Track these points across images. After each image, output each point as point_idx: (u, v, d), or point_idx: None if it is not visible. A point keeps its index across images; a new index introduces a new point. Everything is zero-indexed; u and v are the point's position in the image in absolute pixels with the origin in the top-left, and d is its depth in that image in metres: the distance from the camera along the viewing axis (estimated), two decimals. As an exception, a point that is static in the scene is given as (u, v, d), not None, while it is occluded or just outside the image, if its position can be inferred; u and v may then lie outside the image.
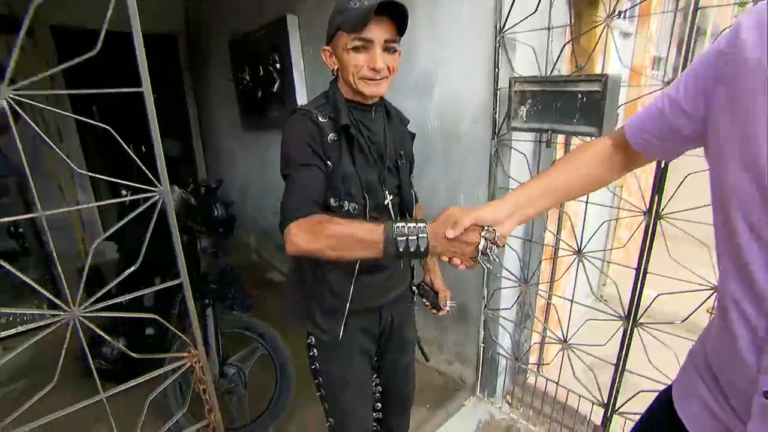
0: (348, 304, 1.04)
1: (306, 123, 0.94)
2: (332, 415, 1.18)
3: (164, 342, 2.03)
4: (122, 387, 0.92)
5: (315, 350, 1.12)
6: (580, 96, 1.41)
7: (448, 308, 1.22)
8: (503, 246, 0.77)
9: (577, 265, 1.68)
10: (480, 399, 2.14)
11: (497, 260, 0.77)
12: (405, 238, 0.77)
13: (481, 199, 1.86)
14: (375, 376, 1.27)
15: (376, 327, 1.15)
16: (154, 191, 0.87)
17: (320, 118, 0.95)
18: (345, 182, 0.95)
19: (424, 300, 1.25)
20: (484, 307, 1.95)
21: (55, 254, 0.83)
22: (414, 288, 1.27)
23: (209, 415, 1.23)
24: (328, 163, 0.94)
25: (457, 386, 2.21)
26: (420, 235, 0.77)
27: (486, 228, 0.75)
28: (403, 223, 0.77)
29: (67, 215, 3.54)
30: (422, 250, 0.77)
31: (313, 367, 1.15)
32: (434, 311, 1.23)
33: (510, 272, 1.86)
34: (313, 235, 0.81)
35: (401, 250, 0.77)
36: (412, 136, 1.17)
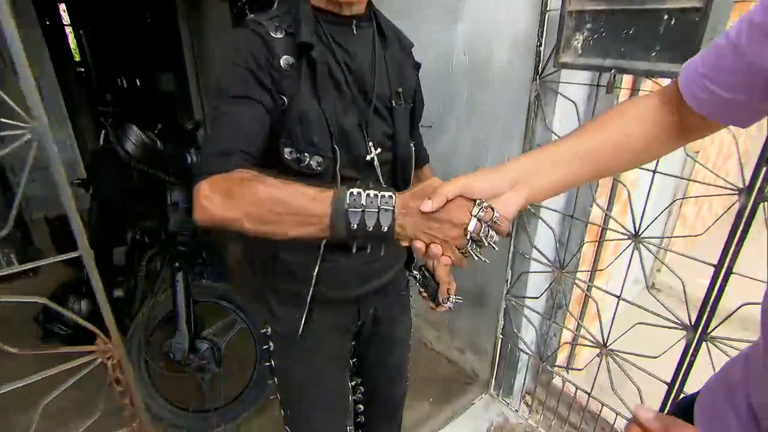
0: (311, 290, 0.86)
1: (252, 40, 0.74)
2: (291, 426, 1.01)
3: (133, 307, 1.83)
4: (13, 386, 0.81)
5: (271, 343, 0.95)
6: (666, 16, 1.00)
7: (450, 305, 1.03)
8: (507, 233, 0.58)
9: (631, 253, 1.34)
10: (493, 398, 1.94)
11: (496, 249, 0.58)
12: (360, 211, 0.58)
13: None
14: (355, 378, 1.11)
15: (351, 323, 0.98)
16: (24, 128, 0.72)
17: (274, 34, 0.75)
18: (304, 125, 0.75)
19: (421, 290, 1.06)
20: (507, 293, 1.72)
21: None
22: (413, 270, 1.09)
23: (131, 422, 0.98)
24: (283, 97, 0.75)
25: (467, 379, 2.04)
26: (383, 207, 0.58)
27: (479, 203, 0.56)
28: (360, 190, 0.59)
29: (43, 153, 3.40)
30: (385, 229, 0.58)
31: (269, 364, 0.98)
32: (432, 305, 1.05)
33: (542, 253, 1.59)
34: (229, 199, 0.62)
35: (354, 227, 0.58)
36: (416, 66, 0.94)
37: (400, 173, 0.90)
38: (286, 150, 0.76)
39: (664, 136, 0.60)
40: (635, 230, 1.32)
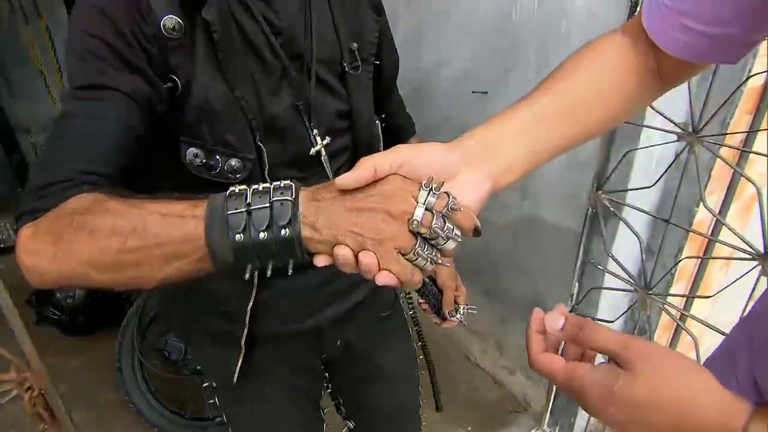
0: (245, 330, 0.72)
1: None
2: None
3: (132, 294, 1.72)
4: None
5: (214, 396, 0.82)
6: None
7: (460, 317, 0.87)
8: (474, 229, 0.44)
9: (756, 279, 1.01)
10: (547, 435, 1.68)
11: (446, 263, 0.43)
12: (245, 212, 0.41)
13: (591, 150, 1.23)
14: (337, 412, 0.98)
15: (311, 358, 0.84)
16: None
17: None
18: (208, 117, 0.59)
19: (420, 300, 0.88)
20: (571, 310, 1.41)
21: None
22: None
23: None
24: (174, 78, 0.57)
25: (516, 408, 1.80)
26: (277, 199, 0.41)
27: (426, 185, 0.42)
28: (244, 187, 0.43)
29: (56, 114, 3.39)
30: (286, 234, 0.40)
31: (211, 402, 0.84)
32: (437, 321, 0.88)
33: (621, 266, 1.29)
34: (61, 245, 0.44)
35: (239, 240, 0.40)
36: (377, 6, 0.74)
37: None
38: (189, 152, 0.59)
39: (644, 83, 0.54)
40: (765, 247, 0.95)
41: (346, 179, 0.41)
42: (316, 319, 0.76)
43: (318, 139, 0.68)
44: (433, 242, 0.42)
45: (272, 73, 0.63)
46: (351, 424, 0.95)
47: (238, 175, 0.61)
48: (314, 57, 0.65)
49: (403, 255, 0.41)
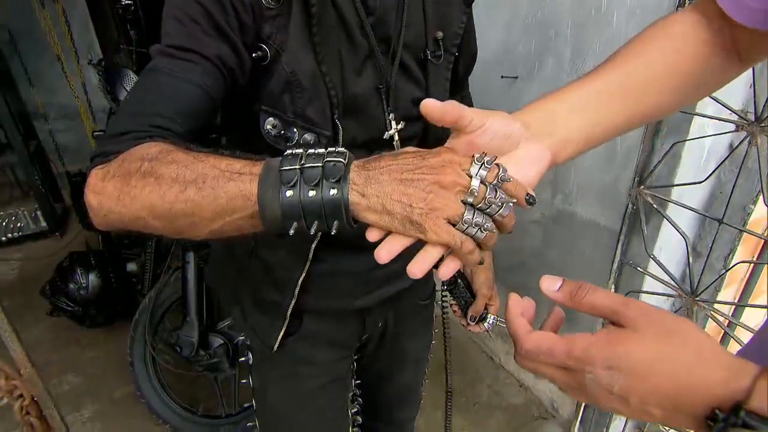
0: (292, 302, 0.75)
1: None
2: None
3: (144, 283, 1.75)
4: None
5: (250, 354, 0.87)
6: None
7: (488, 326, 0.92)
8: (529, 201, 0.46)
9: None
10: (575, 445, 1.64)
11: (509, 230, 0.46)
12: (297, 169, 0.44)
13: (633, 140, 1.12)
14: (356, 398, 1.01)
15: (352, 338, 0.89)
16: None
17: None
18: (293, 91, 0.62)
19: (452, 302, 0.96)
20: None
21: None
22: (442, 281, 0.96)
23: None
24: (264, 48, 0.60)
25: (543, 414, 1.75)
26: (330, 159, 0.44)
27: (479, 157, 0.44)
28: (301, 150, 0.46)
29: (73, 100, 3.24)
30: (333, 194, 0.43)
31: (245, 381, 0.91)
32: (463, 323, 0.94)
33: (664, 268, 1.23)
34: (127, 189, 0.49)
35: (288, 196, 0.44)
36: (467, 2, 0.76)
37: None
38: (268, 122, 0.63)
39: (719, 62, 0.53)
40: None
41: (432, 102, 0.46)
42: (364, 300, 0.80)
43: (393, 123, 0.70)
44: (487, 211, 0.44)
45: (358, 53, 0.65)
46: (358, 391, 0.99)
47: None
48: (401, 41, 0.68)
49: (453, 225, 0.43)
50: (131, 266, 1.80)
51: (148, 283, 1.71)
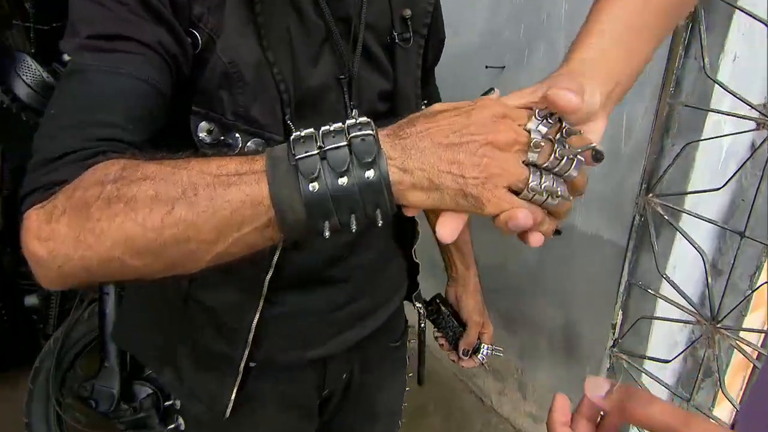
0: (246, 352, 0.75)
1: None
2: None
3: (49, 321, 1.70)
4: None
5: (181, 420, 0.87)
6: None
7: (483, 358, 0.95)
8: (597, 156, 0.44)
9: None
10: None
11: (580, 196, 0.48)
12: (316, 155, 0.42)
13: (640, 140, 1.17)
14: None
15: (313, 394, 0.89)
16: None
17: None
18: (232, 86, 0.60)
19: (437, 332, 0.97)
20: (612, 345, 1.44)
21: None
22: (418, 305, 0.99)
23: None
24: (195, 34, 0.58)
25: None
26: (357, 134, 0.42)
27: (538, 111, 0.44)
28: (311, 130, 0.44)
29: None
30: (372, 176, 0.42)
31: None
32: (453, 358, 0.97)
33: (679, 290, 1.24)
34: (87, 224, 0.43)
35: (315, 190, 0.42)
36: None
37: None
38: (201, 127, 0.61)
39: None
40: None
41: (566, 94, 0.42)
42: (329, 346, 0.80)
43: (357, 117, 0.67)
44: (556, 171, 0.43)
45: (313, 37, 0.65)
46: None
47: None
48: (363, 23, 0.67)
49: (516, 193, 0.42)
50: (31, 300, 1.72)
51: (53, 321, 1.66)
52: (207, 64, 0.59)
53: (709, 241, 1.28)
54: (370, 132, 0.42)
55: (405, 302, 0.98)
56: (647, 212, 1.21)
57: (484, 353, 0.93)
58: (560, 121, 0.44)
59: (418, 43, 0.76)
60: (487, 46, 1.58)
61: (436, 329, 0.97)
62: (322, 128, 0.44)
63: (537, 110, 0.44)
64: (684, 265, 1.29)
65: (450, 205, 0.43)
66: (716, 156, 1.16)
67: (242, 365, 0.75)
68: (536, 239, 0.46)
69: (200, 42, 0.58)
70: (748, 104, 1.00)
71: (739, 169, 1.08)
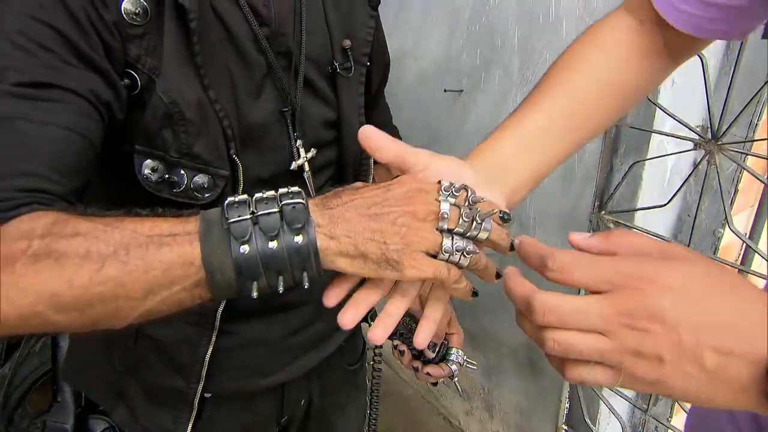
0: (200, 386, 0.75)
1: None
2: None
3: None
4: None
5: None
6: None
7: (455, 370, 0.82)
8: (498, 216, 0.52)
9: None
10: None
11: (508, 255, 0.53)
12: (249, 220, 0.44)
13: (591, 160, 1.20)
14: None
15: (270, 422, 0.88)
16: None
17: None
18: (175, 124, 0.61)
19: (397, 344, 0.83)
20: None
21: None
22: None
23: None
24: (133, 75, 0.59)
25: None
26: (288, 202, 0.45)
27: (445, 185, 0.49)
28: (243, 196, 0.47)
29: None
30: (299, 242, 0.44)
31: None
32: (417, 366, 0.82)
33: None
34: (7, 273, 0.43)
35: (245, 253, 0.44)
36: (373, 1, 0.80)
37: (350, 178, 0.78)
38: (146, 165, 0.61)
39: (655, 64, 0.62)
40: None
41: (372, 130, 0.50)
42: (283, 374, 0.80)
43: (302, 151, 0.71)
44: (468, 235, 0.48)
45: (254, 72, 0.66)
46: None
47: (206, 195, 0.63)
48: (303, 54, 0.69)
49: (434, 256, 0.47)
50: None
51: (0, 355, 1.57)
52: (148, 104, 0.59)
53: (660, 256, 1.33)
54: (301, 201, 0.45)
55: (362, 323, 0.93)
56: (601, 228, 1.26)
57: (456, 359, 0.83)
58: (466, 190, 0.49)
59: (360, 71, 0.77)
60: (445, 71, 1.60)
61: (398, 340, 0.86)
62: (255, 195, 0.46)
63: (443, 183, 0.49)
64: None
65: (372, 269, 0.46)
66: (662, 174, 1.21)
67: (196, 399, 0.75)
68: (421, 339, 0.54)
69: (139, 82, 0.59)
70: (686, 126, 1.08)
71: (681, 187, 1.15)
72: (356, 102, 0.77)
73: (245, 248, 0.43)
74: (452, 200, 0.48)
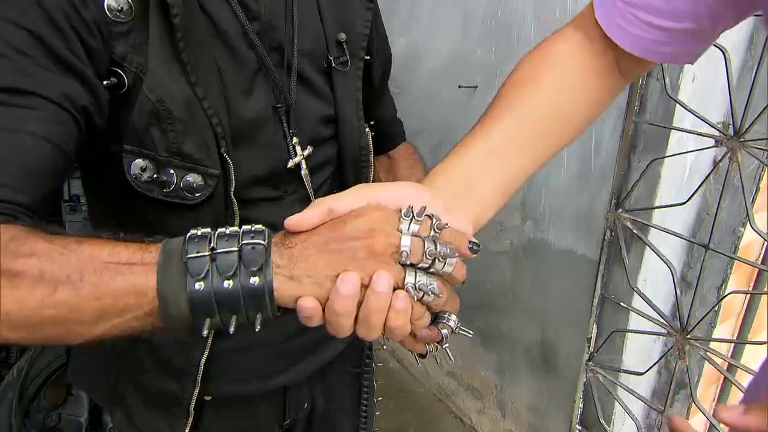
0: (195, 391, 0.74)
1: None
2: None
3: (11, 349, 1.64)
4: None
5: None
6: None
7: (446, 335, 0.70)
8: (466, 246, 0.50)
9: None
10: None
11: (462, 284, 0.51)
12: (207, 256, 0.44)
13: (608, 158, 1.20)
14: None
15: (272, 426, 0.87)
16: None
17: None
18: (162, 123, 0.60)
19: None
20: (588, 359, 1.48)
21: None
22: None
23: None
24: (120, 73, 0.58)
25: None
26: (248, 242, 0.45)
27: (406, 212, 0.47)
28: (207, 230, 0.47)
29: None
30: (254, 283, 0.44)
31: None
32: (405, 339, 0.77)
33: (649, 302, 1.29)
34: None
35: (199, 289, 0.44)
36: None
37: (351, 175, 0.78)
38: (135, 165, 0.61)
39: (607, 84, 0.63)
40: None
41: (295, 219, 0.46)
42: (283, 377, 0.79)
43: (298, 149, 0.70)
44: (431, 270, 0.46)
45: (245, 68, 0.65)
46: None
47: (197, 194, 0.63)
48: (295, 49, 0.68)
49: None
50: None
51: (16, 350, 1.60)
52: (134, 102, 0.59)
53: (678, 255, 1.31)
54: (261, 241, 0.44)
55: None
56: (617, 227, 1.25)
57: (450, 324, 0.76)
58: (430, 217, 0.47)
59: (357, 65, 0.76)
60: (459, 67, 1.59)
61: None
62: (218, 230, 0.46)
63: (403, 211, 0.47)
64: (654, 279, 1.31)
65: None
66: (681, 172, 1.20)
67: (192, 404, 0.74)
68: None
69: (126, 81, 0.58)
70: (707, 123, 1.06)
71: (701, 184, 1.13)
72: (354, 96, 0.76)
73: (200, 285, 0.43)
74: (415, 228, 0.47)
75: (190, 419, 0.74)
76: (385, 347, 0.89)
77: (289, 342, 0.78)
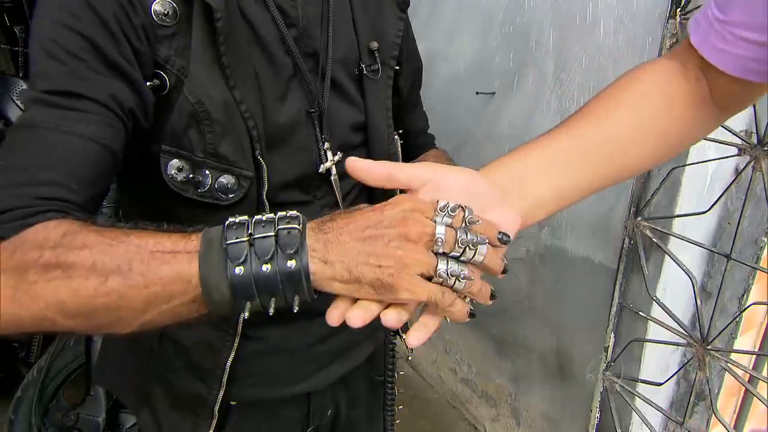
0: (221, 393, 0.74)
1: None
2: None
3: (32, 349, 1.66)
4: None
5: None
6: None
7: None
8: (495, 238, 0.51)
9: None
10: None
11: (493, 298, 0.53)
12: (246, 241, 0.46)
13: None
14: None
15: (295, 430, 0.88)
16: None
17: None
18: (201, 125, 0.62)
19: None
20: (605, 368, 1.46)
21: None
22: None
23: None
24: (162, 75, 0.60)
25: None
26: (284, 227, 0.47)
27: (442, 205, 0.49)
28: (245, 217, 0.49)
29: None
30: (291, 266, 0.46)
31: None
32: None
33: (669, 312, 1.27)
34: (23, 285, 0.46)
35: (239, 274, 0.46)
36: (403, 3, 0.81)
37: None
38: (172, 165, 0.62)
39: (697, 113, 0.60)
40: None
41: (357, 161, 0.52)
42: (308, 383, 0.80)
43: (329, 154, 0.72)
44: (462, 259, 0.48)
45: (281, 74, 0.67)
46: None
47: (230, 195, 0.65)
48: (329, 56, 0.70)
49: (429, 279, 0.47)
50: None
51: (36, 349, 1.62)
52: (175, 104, 0.61)
53: (698, 264, 1.30)
54: (296, 226, 0.46)
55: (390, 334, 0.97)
56: (636, 235, 1.24)
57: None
58: (463, 210, 0.49)
59: (387, 74, 0.78)
60: (477, 73, 1.60)
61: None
62: (255, 217, 0.48)
63: (439, 204, 0.49)
64: (674, 288, 1.30)
65: (367, 292, 0.47)
66: (702, 180, 1.19)
67: (216, 407, 0.75)
68: (414, 339, 0.51)
69: (168, 83, 0.60)
70: (730, 131, 1.05)
71: (723, 193, 1.12)
72: (384, 104, 0.77)
73: (240, 269, 0.45)
74: (448, 220, 0.49)
75: (214, 422, 0.75)
76: (410, 358, 0.89)
77: (314, 347, 0.79)
